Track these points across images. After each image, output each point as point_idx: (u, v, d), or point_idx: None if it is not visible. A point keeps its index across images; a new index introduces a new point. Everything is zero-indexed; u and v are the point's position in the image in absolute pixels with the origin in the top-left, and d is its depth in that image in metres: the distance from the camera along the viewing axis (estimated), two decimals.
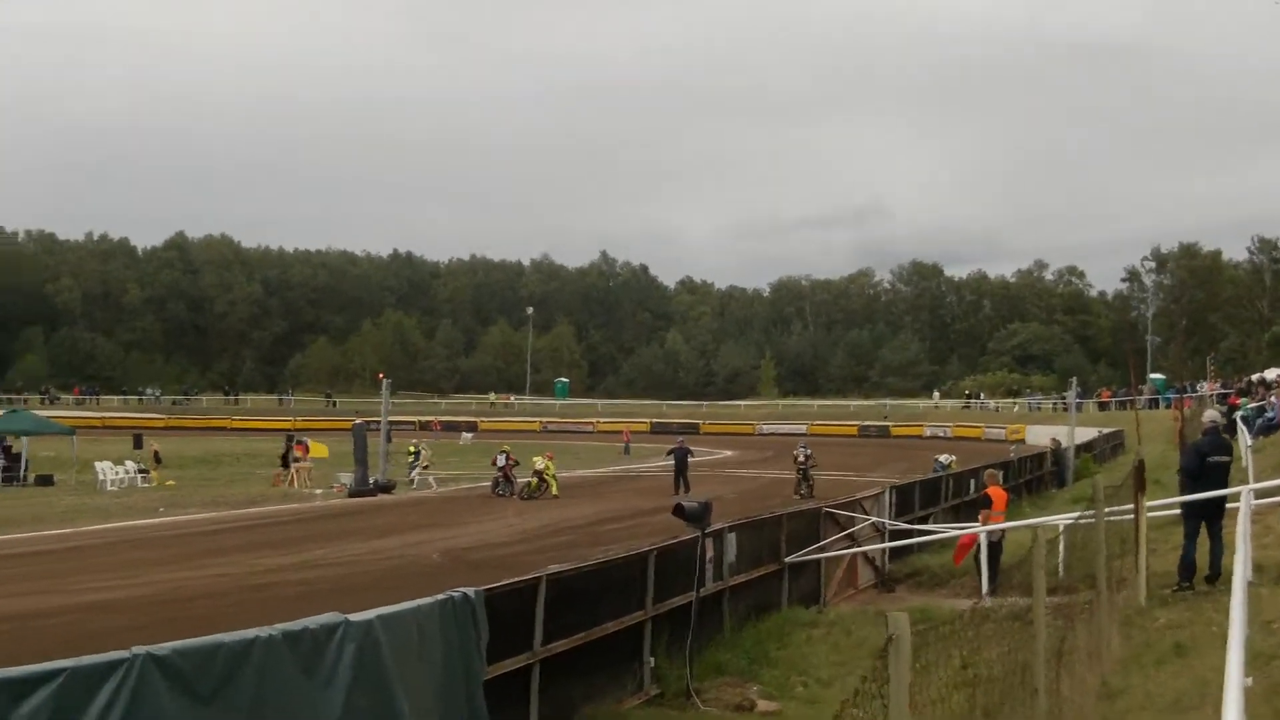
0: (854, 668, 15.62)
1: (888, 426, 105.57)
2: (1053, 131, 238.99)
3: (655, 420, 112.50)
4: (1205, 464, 17.61)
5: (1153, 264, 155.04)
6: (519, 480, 43.32)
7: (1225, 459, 18.12)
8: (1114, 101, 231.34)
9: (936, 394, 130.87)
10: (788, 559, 21.72)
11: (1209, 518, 17.38)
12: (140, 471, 49.79)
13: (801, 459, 43.77)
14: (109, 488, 46.57)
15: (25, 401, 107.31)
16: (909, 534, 27.22)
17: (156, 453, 52.32)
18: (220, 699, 8.37)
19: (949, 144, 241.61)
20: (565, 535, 31.19)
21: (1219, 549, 17.05)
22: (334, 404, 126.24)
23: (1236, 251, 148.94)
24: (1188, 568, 17.17)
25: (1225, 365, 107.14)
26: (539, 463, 43.41)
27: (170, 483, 48.27)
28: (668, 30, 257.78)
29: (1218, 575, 16.69)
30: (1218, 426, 19.12)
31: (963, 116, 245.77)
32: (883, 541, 26.61)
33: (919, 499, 31.00)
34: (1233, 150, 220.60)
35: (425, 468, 49.61)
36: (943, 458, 47.63)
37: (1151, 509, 19.46)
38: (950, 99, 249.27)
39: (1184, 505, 18.00)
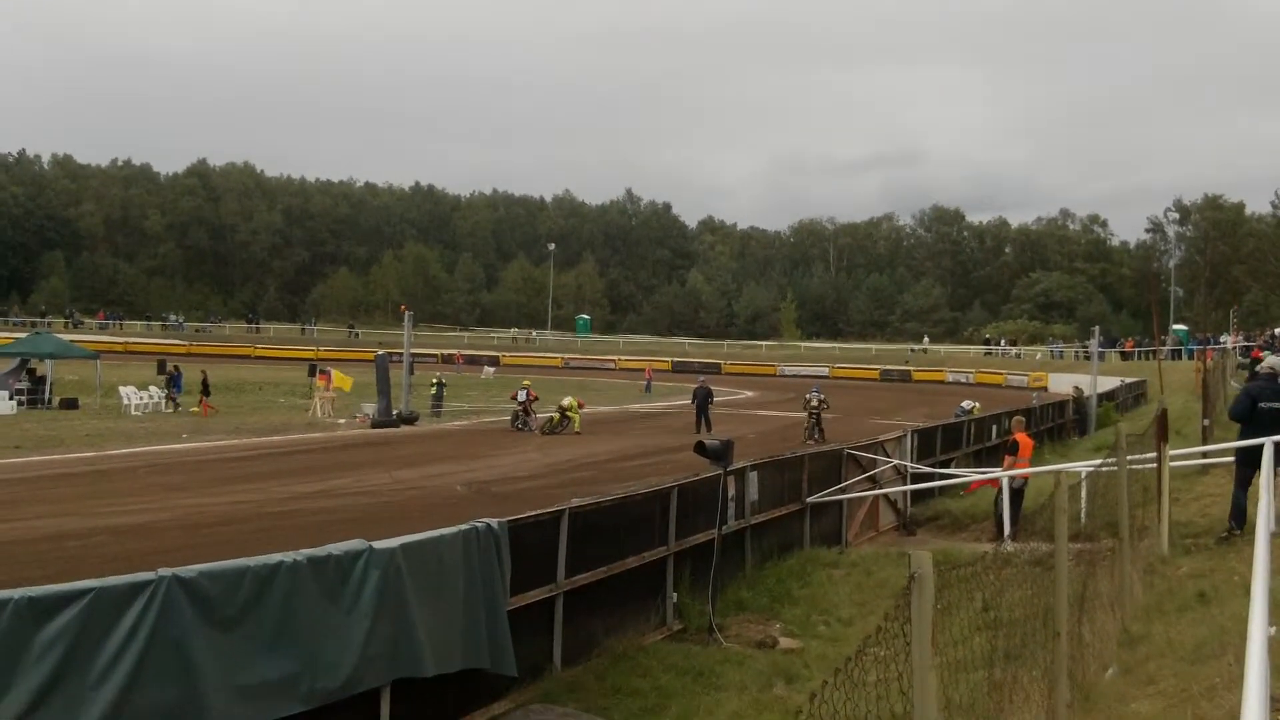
0: (875, 608, 15.68)
1: (909, 371, 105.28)
2: (1083, 81, 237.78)
3: (677, 359, 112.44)
4: (1257, 409, 17.30)
5: (1176, 215, 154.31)
6: (539, 416, 43.33)
7: (1279, 405, 17.79)
8: (1144, 51, 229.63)
9: (926, 339, 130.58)
10: (810, 499, 21.75)
11: (1260, 465, 17.08)
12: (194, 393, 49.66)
13: (815, 403, 42.98)
14: (133, 412, 46.79)
15: (49, 325, 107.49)
16: (930, 477, 27.21)
17: (206, 379, 51.71)
18: (245, 622, 8.46)
19: (982, 91, 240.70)
20: (587, 470, 31.21)
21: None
22: (356, 335, 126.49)
23: (1260, 204, 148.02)
24: (1240, 513, 16.91)
25: (1248, 319, 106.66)
26: (566, 401, 43.41)
27: (194, 409, 48.43)
28: None
29: None
30: (1276, 373, 18.75)
31: (998, 64, 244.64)
32: (904, 484, 26.62)
33: (940, 443, 30.96)
34: (1260, 102, 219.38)
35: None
36: (965, 404, 47.46)
37: (1174, 458, 19.34)
38: (986, 45, 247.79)
39: (1238, 451, 17.68)
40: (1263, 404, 17.21)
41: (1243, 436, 17.38)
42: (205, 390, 50.04)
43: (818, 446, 31.47)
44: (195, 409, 47.83)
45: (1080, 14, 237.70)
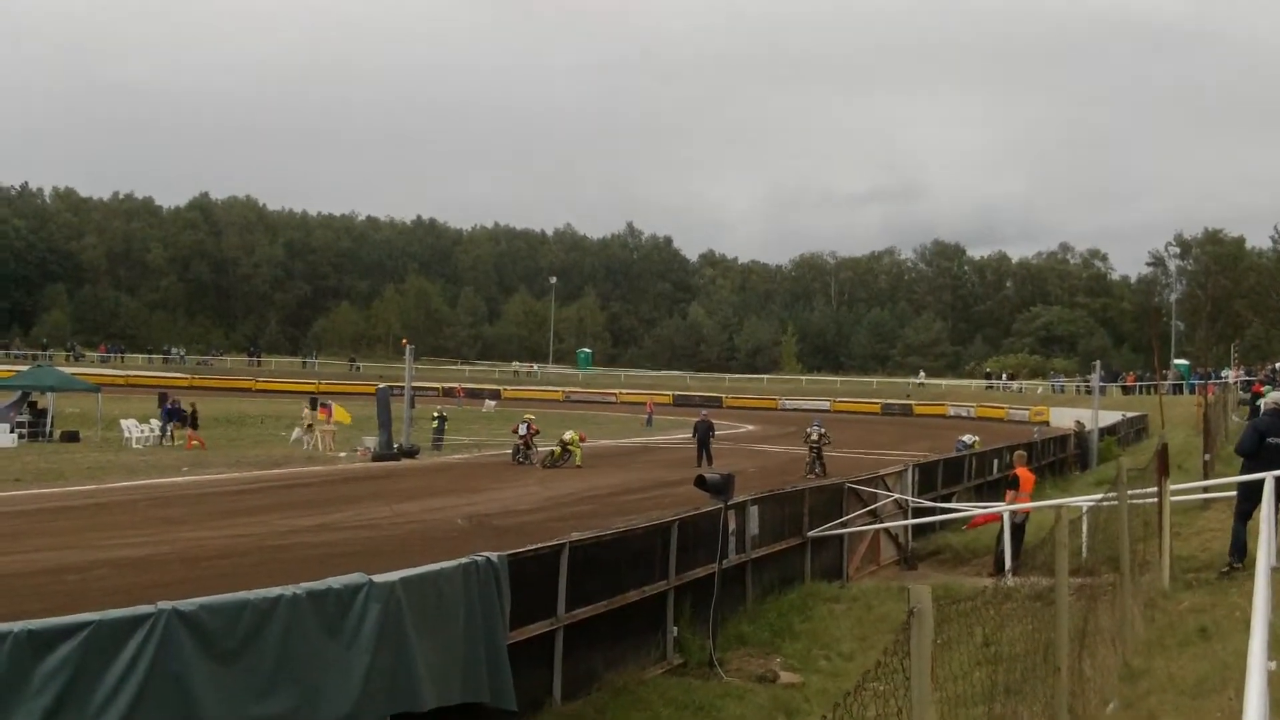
0: (876, 642, 15.61)
1: (910, 405, 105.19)
2: (1085, 115, 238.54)
3: (678, 393, 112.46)
4: (1264, 444, 17.26)
5: (1176, 249, 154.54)
6: (540, 449, 43.30)
7: None
8: (1145, 86, 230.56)
9: (922, 373, 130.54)
10: (810, 533, 21.72)
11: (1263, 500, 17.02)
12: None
13: (815, 437, 42.52)
14: (134, 445, 46.78)
15: (50, 358, 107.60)
16: (932, 512, 27.18)
17: (194, 412, 51.51)
18: (245, 655, 8.42)
19: (982, 124, 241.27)
20: (588, 504, 31.18)
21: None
22: (358, 368, 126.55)
23: (1260, 239, 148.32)
24: (1240, 548, 16.88)
25: (1249, 353, 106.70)
26: (567, 435, 43.34)
27: (195, 442, 48.40)
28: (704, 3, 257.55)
29: None
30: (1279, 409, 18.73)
31: (997, 97, 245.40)
32: (905, 519, 26.59)
33: (942, 477, 30.92)
34: (1260, 135, 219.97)
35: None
36: (966, 438, 47.38)
37: (1175, 493, 19.31)
38: (985, 79, 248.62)
39: (1240, 487, 17.66)
40: (1270, 439, 17.17)
41: (1245, 471, 17.34)
42: (193, 423, 49.82)
43: (818, 480, 31.42)
44: (196, 443, 47.75)
45: (1078, 47, 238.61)
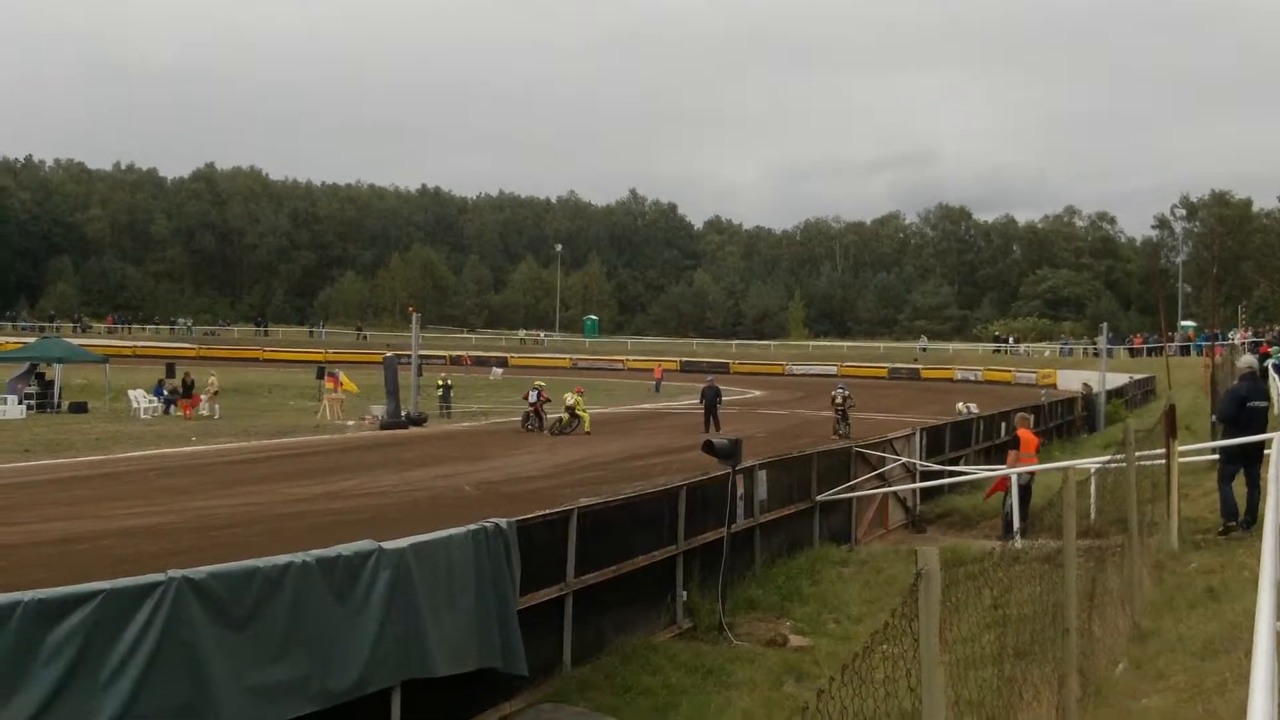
0: (885, 605, 15.61)
1: (918, 369, 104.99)
2: (1093, 82, 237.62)
3: (685, 359, 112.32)
4: (1245, 409, 17.39)
5: (1183, 211, 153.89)
6: (549, 416, 43.31)
7: (1264, 404, 17.92)
8: (1150, 50, 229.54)
9: (924, 338, 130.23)
10: (819, 497, 21.73)
11: (1249, 463, 17.17)
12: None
13: (840, 399, 43.81)
14: (142, 415, 46.83)
15: (58, 330, 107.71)
16: (940, 475, 27.18)
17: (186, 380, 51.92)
18: (255, 623, 8.44)
19: (990, 91, 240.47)
20: (596, 470, 31.14)
21: (1256, 495, 16.89)
22: (364, 337, 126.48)
23: (1267, 200, 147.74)
24: (1230, 510, 17.00)
25: (1256, 314, 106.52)
26: (569, 398, 43.34)
27: (203, 412, 48.47)
28: None
29: (1254, 521, 16.57)
30: (1255, 371, 18.83)
31: (1006, 64, 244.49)
32: (913, 482, 26.60)
33: (949, 441, 30.93)
34: (1268, 99, 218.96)
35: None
36: (973, 406, 47.43)
37: (1183, 454, 19.32)
38: (993, 46, 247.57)
39: (1223, 450, 17.78)
40: (1251, 403, 17.33)
41: (1229, 436, 17.52)
42: (187, 392, 50.25)
43: (842, 441, 31.82)
44: (206, 411, 47.89)
45: (1087, 15, 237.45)
